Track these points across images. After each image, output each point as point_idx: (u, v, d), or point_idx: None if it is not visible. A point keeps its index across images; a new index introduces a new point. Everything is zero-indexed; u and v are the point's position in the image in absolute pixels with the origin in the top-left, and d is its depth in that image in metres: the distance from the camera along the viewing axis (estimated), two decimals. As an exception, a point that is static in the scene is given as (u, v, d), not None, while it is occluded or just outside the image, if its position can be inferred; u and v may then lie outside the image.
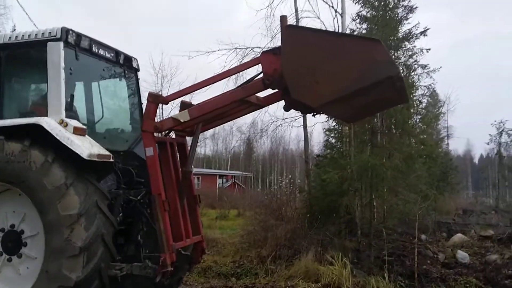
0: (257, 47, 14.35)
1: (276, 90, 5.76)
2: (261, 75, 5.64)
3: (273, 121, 15.47)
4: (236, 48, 14.64)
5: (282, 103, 5.88)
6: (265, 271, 11.16)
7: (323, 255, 11.00)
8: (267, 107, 13.04)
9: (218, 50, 14.88)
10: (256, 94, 6.09)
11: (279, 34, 5.63)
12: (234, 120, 7.13)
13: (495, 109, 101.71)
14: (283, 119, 15.30)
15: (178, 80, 25.96)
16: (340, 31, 14.07)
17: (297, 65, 5.20)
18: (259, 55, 6.03)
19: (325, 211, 12.77)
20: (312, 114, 6.27)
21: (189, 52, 16.23)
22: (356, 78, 4.93)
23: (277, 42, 11.29)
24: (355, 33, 18.00)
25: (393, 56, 17.83)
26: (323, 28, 14.25)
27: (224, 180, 57.01)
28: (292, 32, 5.40)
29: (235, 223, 20.97)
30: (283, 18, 5.73)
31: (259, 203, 15.61)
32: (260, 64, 5.70)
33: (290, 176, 22.61)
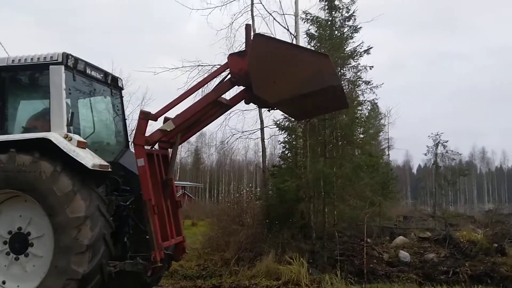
0: (219, 64, 15.22)
1: (240, 91, 6.89)
2: (228, 76, 6.71)
3: (233, 134, 16.33)
4: (199, 65, 15.45)
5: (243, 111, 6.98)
6: (229, 272, 12.07)
7: (282, 256, 12.04)
8: (226, 119, 14.05)
9: (182, 66, 15.63)
10: (225, 97, 7.19)
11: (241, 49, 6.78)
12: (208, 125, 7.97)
13: (432, 122, 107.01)
14: (242, 132, 16.20)
15: (129, 91, 26.14)
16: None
17: (260, 67, 6.34)
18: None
19: (282, 217, 13.80)
20: (268, 109, 7.46)
21: (155, 69, 16.87)
22: (305, 83, 6.20)
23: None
24: (305, 51, 19.38)
25: (340, 73, 19.31)
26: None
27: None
28: (259, 39, 6.54)
29: (191, 231, 21.64)
30: (248, 26, 7.06)
31: (220, 211, 16.48)
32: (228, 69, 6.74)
33: (250, 185, 23.51)
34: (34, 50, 7.20)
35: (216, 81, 7.52)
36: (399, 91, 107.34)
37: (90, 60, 7.68)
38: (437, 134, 25.61)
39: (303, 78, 6.16)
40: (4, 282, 6.68)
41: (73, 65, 7.15)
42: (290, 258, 11.73)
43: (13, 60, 7.16)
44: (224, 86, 6.80)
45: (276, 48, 6.34)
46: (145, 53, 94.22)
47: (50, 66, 6.96)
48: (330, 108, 8.21)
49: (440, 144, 25.82)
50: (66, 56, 7.01)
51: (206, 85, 8.30)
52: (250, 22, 16.01)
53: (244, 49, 6.91)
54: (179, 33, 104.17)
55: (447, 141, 25.94)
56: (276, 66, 6.23)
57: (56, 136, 6.52)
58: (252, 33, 7.18)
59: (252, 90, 6.48)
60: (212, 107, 7.17)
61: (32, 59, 7.08)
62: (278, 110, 7.98)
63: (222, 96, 7.09)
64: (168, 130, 6.91)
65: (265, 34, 6.82)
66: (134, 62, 79.98)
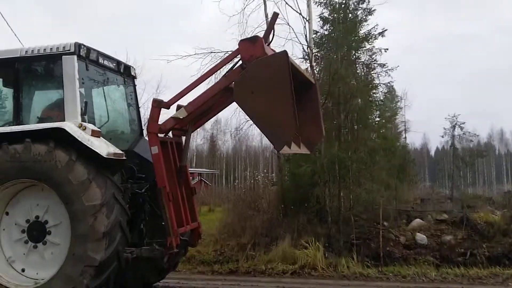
0: (231, 51, 15.15)
1: None
2: (240, 62, 6.65)
3: (247, 120, 16.28)
4: (211, 52, 15.43)
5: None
6: (246, 257, 12.20)
7: (298, 241, 12.14)
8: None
9: (195, 54, 15.62)
10: None
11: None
12: (220, 112, 7.95)
13: (450, 105, 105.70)
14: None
15: (143, 79, 26.25)
16: (307, 36, 15.06)
17: (258, 71, 6.02)
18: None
19: (297, 202, 13.89)
20: None
21: (168, 57, 16.90)
22: (266, 123, 5.99)
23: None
24: (318, 34, 19.26)
25: (354, 56, 19.18)
26: (293, 36, 15.16)
27: (191, 177, 57.20)
28: (284, 56, 6.01)
29: (207, 218, 21.81)
30: (275, 15, 6.89)
31: (236, 197, 16.58)
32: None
33: (265, 170, 23.57)
34: (50, 42, 7.22)
35: (228, 67, 7.50)
36: (416, 73, 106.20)
37: (105, 50, 7.74)
38: (454, 116, 25.26)
39: (271, 123, 5.95)
40: (23, 270, 6.82)
41: (86, 55, 7.18)
42: (306, 242, 11.81)
43: (26, 51, 7.22)
44: (235, 73, 6.76)
45: (284, 79, 5.86)
46: (160, 41, 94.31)
47: (63, 56, 7.00)
48: None
49: (457, 126, 25.50)
50: (78, 46, 7.04)
51: (219, 71, 8.26)
52: (262, 8, 15.91)
53: (255, 34, 6.81)
54: (193, 21, 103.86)
55: (464, 122, 25.59)
56: (268, 88, 5.93)
57: (70, 126, 6.59)
58: (275, 22, 7.04)
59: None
60: (224, 94, 7.16)
61: (45, 49, 7.12)
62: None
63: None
64: (181, 117, 6.95)
65: (292, 61, 6.54)
66: (149, 51, 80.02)
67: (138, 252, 7.03)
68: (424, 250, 12.79)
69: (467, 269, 11.22)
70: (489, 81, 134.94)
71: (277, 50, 7.36)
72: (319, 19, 19.64)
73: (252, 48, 6.49)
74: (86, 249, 6.29)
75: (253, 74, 6.08)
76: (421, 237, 13.46)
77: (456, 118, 25.23)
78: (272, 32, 6.95)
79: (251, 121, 7.31)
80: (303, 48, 15.40)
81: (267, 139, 6.20)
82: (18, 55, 7.22)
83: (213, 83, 7.48)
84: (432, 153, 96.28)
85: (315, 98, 7.39)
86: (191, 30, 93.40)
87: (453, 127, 25.54)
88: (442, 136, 27.32)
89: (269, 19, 14.86)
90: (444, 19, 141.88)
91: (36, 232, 6.81)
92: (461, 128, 25.64)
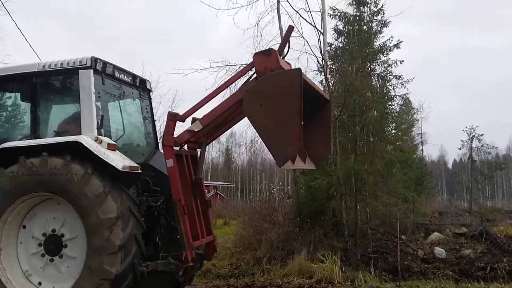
0: (246, 64, 15.21)
1: None
2: (254, 75, 6.65)
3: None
4: (226, 65, 15.50)
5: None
6: (262, 271, 12.10)
7: (314, 254, 12.00)
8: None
9: (210, 67, 15.69)
10: None
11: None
12: (235, 125, 7.88)
13: (467, 117, 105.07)
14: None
15: (159, 93, 26.54)
16: (322, 48, 15.07)
17: (269, 85, 5.99)
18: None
19: (313, 215, 13.79)
20: None
21: (183, 70, 17.01)
22: (271, 142, 5.96)
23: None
24: (332, 46, 19.27)
25: (369, 68, 19.13)
26: (308, 48, 15.16)
27: (206, 190, 57.34)
28: (298, 73, 5.95)
29: (223, 231, 21.80)
30: (290, 28, 6.94)
31: (252, 210, 16.53)
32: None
33: (280, 183, 23.50)
34: (68, 57, 7.32)
35: (242, 80, 7.50)
36: (433, 85, 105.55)
37: (121, 65, 7.81)
38: (472, 128, 24.99)
39: (276, 138, 5.92)
40: (40, 283, 6.84)
41: (102, 69, 7.25)
42: (322, 256, 11.68)
43: (43, 66, 7.31)
44: (250, 85, 6.78)
45: (294, 97, 5.83)
46: (176, 55, 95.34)
47: (80, 71, 7.07)
48: None
49: (475, 138, 25.22)
50: (94, 60, 7.11)
51: (233, 84, 8.26)
52: (276, 21, 15.96)
53: (269, 47, 6.81)
54: (209, 34, 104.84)
55: (482, 134, 25.31)
56: (277, 103, 5.91)
57: (86, 139, 6.63)
58: (290, 35, 7.05)
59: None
60: (238, 107, 7.16)
61: (62, 64, 7.20)
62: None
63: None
64: (196, 130, 6.95)
65: (305, 78, 6.47)
66: (165, 65, 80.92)
67: (153, 266, 7.00)
68: (442, 264, 12.54)
69: (487, 284, 10.98)
70: (507, 93, 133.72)
71: (292, 63, 7.38)
72: (333, 32, 19.72)
73: (267, 61, 6.48)
74: (102, 262, 6.29)
75: (264, 87, 6.06)
76: (439, 251, 13.25)
77: (474, 130, 24.99)
78: (287, 45, 6.95)
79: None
80: (317, 61, 15.39)
81: (272, 155, 6.16)
82: (36, 70, 7.30)
83: (228, 96, 7.49)
84: (450, 165, 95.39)
85: (327, 115, 7.36)
86: (206, 44, 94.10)
87: (471, 139, 25.28)
88: (460, 148, 27.08)
89: (283, 32, 15.00)
90: (461, 31, 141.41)
91: (53, 246, 6.84)
92: (479, 140, 25.36)
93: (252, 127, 6.30)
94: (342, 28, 19.59)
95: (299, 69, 6.10)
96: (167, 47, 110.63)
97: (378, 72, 20.88)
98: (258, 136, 6.51)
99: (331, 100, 7.55)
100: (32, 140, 7.05)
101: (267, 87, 6.04)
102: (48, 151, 6.63)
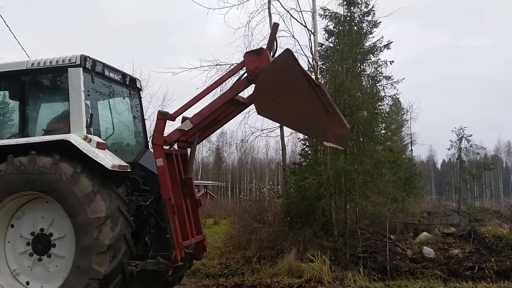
0: (236, 63, 15.18)
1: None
2: (245, 75, 6.66)
3: (253, 132, 16.30)
4: (217, 65, 15.46)
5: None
6: (251, 270, 12.11)
7: (304, 254, 12.02)
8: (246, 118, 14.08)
9: (200, 66, 15.63)
10: (242, 95, 7.14)
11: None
12: (225, 124, 7.92)
13: (457, 117, 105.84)
14: (262, 130, 16.15)
15: (149, 92, 26.44)
16: (312, 48, 15.08)
17: (271, 78, 6.16)
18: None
19: (303, 214, 13.80)
20: None
21: (174, 69, 16.91)
22: (302, 124, 6.04)
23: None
24: (323, 46, 19.32)
25: (359, 68, 19.20)
26: (298, 48, 15.20)
27: (196, 190, 57.20)
28: (289, 55, 6.22)
29: (213, 230, 21.78)
30: (276, 25, 6.97)
31: (242, 209, 16.52)
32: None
33: (271, 183, 23.52)
34: (58, 54, 7.27)
35: (233, 79, 7.49)
36: (423, 86, 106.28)
37: (111, 63, 7.78)
38: (461, 128, 25.13)
39: (303, 119, 6.04)
40: (28, 283, 6.79)
41: (91, 67, 7.21)
42: (312, 255, 11.70)
43: (32, 64, 7.24)
44: (240, 85, 6.77)
45: (298, 74, 6.13)
46: (167, 54, 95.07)
47: (69, 69, 7.01)
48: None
49: (464, 138, 25.35)
50: (84, 58, 7.07)
51: (224, 83, 8.26)
52: (267, 20, 15.96)
53: (260, 47, 6.84)
54: (199, 33, 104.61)
55: (471, 135, 25.45)
56: (286, 89, 6.08)
57: (75, 138, 6.59)
58: (277, 33, 7.08)
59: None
60: (229, 106, 7.16)
61: (51, 62, 7.14)
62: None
63: (239, 94, 7.08)
64: (186, 129, 6.93)
65: (296, 58, 6.56)
66: (156, 64, 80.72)
67: (142, 265, 6.97)
68: (431, 264, 12.63)
69: (475, 284, 11.05)
70: (496, 94, 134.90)
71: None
72: (324, 32, 19.78)
73: (258, 60, 6.49)
74: (91, 262, 6.26)
75: (266, 83, 6.14)
76: (428, 251, 13.34)
77: (463, 131, 25.12)
78: (275, 43, 6.96)
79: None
80: (308, 61, 15.40)
81: (309, 136, 6.16)
82: (24, 68, 7.25)
83: (218, 95, 7.48)
84: (439, 165, 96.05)
85: (326, 98, 7.36)
86: (198, 43, 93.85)
87: (460, 139, 25.40)
88: (449, 149, 27.25)
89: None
90: (450, 32, 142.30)
91: (41, 245, 6.79)
92: (468, 141, 25.50)
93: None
94: (332, 28, 19.67)
95: (287, 49, 6.20)
96: (159, 45, 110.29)
97: (368, 73, 20.98)
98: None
99: (321, 84, 7.57)
100: (20, 138, 7.00)
101: (267, 82, 6.13)
102: (37, 150, 6.58)
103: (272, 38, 6.94)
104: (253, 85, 6.85)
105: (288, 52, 6.13)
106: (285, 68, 6.08)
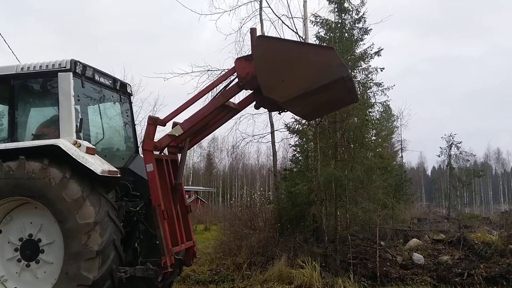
0: (227, 69, 15.21)
1: (248, 94, 6.98)
2: (236, 80, 6.71)
3: (244, 138, 16.31)
4: (208, 70, 15.47)
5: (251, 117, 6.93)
6: (242, 276, 12.03)
7: (294, 260, 11.98)
8: (237, 120, 14.05)
9: (192, 72, 15.64)
10: (233, 101, 7.19)
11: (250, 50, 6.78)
12: (216, 129, 7.94)
13: (447, 124, 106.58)
14: (253, 135, 16.17)
15: (140, 97, 26.39)
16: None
17: (267, 68, 6.33)
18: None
19: (293, 220, 13.76)
20: (278, 112, 7.41)
21: (165, 74, 16.92)
22: (314, 78, 6.15)
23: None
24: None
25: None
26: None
27: (187, 195, 57.12)
28: (262, 40, 6.53)
29: (203, 236, 21.72)
30: (253, 30, 7.05)
31: (233, 215, 16.48)
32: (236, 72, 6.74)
33: (262, 189, 23.51)
34: (48, 59, 7.25)
35: (224, 85, 7.49)
36: (413, 93, 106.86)
37: (103, 68, 7.76)
38: (451, 135, 25.30)
39: (311, 74, 6.13)
40: (16, 289, 6.73)
41: (82, 72, 7.20)
42: (302, 261, 11.67)
43: (22, 68, 7.23)
44: (231, 90, 6.80)
45: (280, 47, 6.38)
46: (159, 59, 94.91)
47: (59, 73, 7.01)
48: (340, 104, 8.01)
49: (453, 145, 25.52)
50: (74, 63, 7.06)
51: (215, 89, 8.26)
52: (259, 26, 16.02)
53: (250, 53, 6.89)
54: (191, 39, 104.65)
55: (460, 142, 25.67)
56: (283, 65, 6.21)
57: (65, 143, 6.56)
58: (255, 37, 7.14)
59: (261, 93, 6.47)
60: (220, 112, 7.17)
61: (41, 66, 7.14)
62: (288, 113, 7.95)
63: (230, 100, 7.08)
64: (177, 135, 6.93)
65: (268, 35, 6.76)
66: (148, 69, 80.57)
67: (132, 271, 6.96)
68: (421, 270, 12.61)
69: (465, 290, 11.10)
70: (485, 101, 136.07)
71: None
72: (315, 38, 19.80)
73: (248, 66, 6.53)
74: (79, 268, 6.24)
75: (265, 72, 6.28)
76: (418, 257, 13.34)
77: (453, 138, 25.29)
78: None
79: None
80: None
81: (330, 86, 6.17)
82: (14, 72, 7.24)
83: (209, 101, 7.48)
84: (429, 172, 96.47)
85: (314, 44, 7.48)
86: (189, 48, 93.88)
87: (450, 146, 25.56)
88: (439, 156, 27.33)
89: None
90: (441, 40, 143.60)
91: (29, 251, 6.76)
92: (458, 148, 25.68)
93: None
94: (323, 35, 19.68)
95: (258, 36, 6.72)
96: (150, 50, 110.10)
97: (359, 79, 20.99)
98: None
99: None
100: (9, 143, 6.96)
101: (265, 73, 6.27)
102: (25, 155, 6.54)
103: (253, 43, 6.99)
104: (244, 91, 6.90)
105: (260, 38, 6.44)
106: (268, 50, 6.30)
